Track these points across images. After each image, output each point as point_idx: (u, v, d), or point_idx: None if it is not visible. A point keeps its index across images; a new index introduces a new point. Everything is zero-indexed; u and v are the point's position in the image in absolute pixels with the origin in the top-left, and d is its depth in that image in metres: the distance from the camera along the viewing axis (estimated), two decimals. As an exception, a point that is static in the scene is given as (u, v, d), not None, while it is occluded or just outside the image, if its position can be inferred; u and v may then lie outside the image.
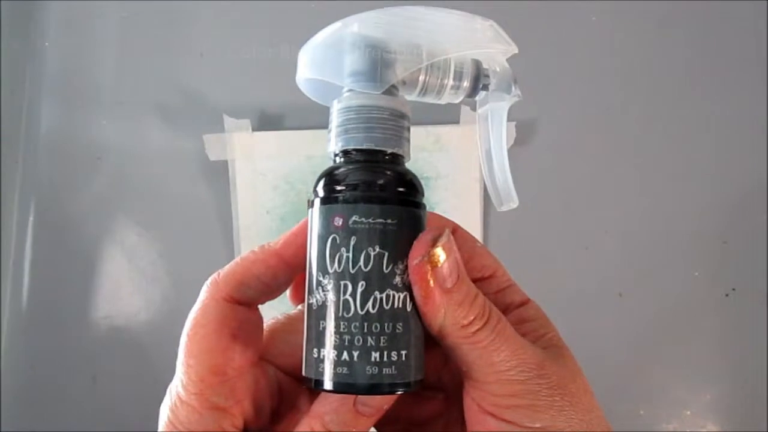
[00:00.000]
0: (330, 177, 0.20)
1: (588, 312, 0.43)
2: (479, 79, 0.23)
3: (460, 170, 0.42)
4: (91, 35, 0.48)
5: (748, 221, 0.43)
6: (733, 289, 0.42)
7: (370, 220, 0.19)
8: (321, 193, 0.19)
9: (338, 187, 0.19)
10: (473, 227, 0.42)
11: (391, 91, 0.21)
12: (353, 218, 0.18)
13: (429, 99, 0.23)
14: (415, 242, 0.19)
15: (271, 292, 0.21)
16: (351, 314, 0.18)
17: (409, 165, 0.40)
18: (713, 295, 0.42)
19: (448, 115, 0.43)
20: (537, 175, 0.44)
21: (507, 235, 0.43)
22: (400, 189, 0.20)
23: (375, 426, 0.21)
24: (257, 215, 0.42)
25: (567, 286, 0.43)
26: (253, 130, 0.42)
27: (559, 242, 0.43)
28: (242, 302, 0.21)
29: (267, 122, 0.45)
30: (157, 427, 0.38)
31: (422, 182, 0.39)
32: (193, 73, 0.47)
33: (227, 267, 0.21)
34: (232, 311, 0.21)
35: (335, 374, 0.18)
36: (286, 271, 0.21)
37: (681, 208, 0.43)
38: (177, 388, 0.21)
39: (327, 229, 0.19)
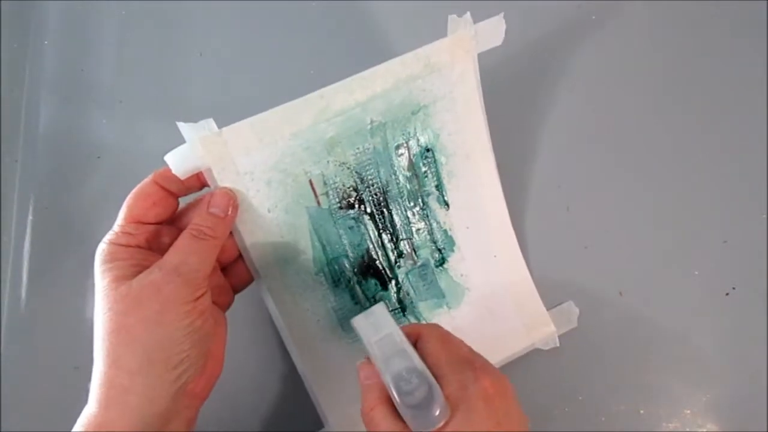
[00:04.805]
0: None
1: (588, 311, 0.43)
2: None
3: (457, 84, 0.38)
4: (90, 34, 0.48)
5: (748, 220, 0.43)
6: (734, 288, 0.42)
7: None
8: None
9: None
10: (480, 136, 0.40)
11: None
12: None
13: None
14: None
15: (187, 191, 0.35)
16: None
17: (404, 100, 0.37)
18: (713, 294, 0.42)
19: (435, 33, 0.38)
20: (537, 174, 0.44)
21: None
22: None
23: None
24: (258, 217, 0.36)
25: (567, 285, 0.43)
26: (226, 124, 0.34)
27: (559, 241, 0.43)
28: (167, 190, 0.34)
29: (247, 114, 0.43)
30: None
31: (421, 113, 0.38)
32: (193, 72, 0.47)
33: (166, 168, 0.33)
34: (157, 191, 0.33)
35: None
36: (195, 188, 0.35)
37: (681, 207, 0.43)
38: (113, 228, 0.33)
39: None
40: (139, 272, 0.31)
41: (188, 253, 0.32)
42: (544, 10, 0.45)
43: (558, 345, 0.42)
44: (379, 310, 0.32)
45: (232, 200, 0.34)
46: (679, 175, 0.44)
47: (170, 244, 0.32)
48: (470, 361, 0.30)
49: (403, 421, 0.29)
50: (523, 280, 0.43)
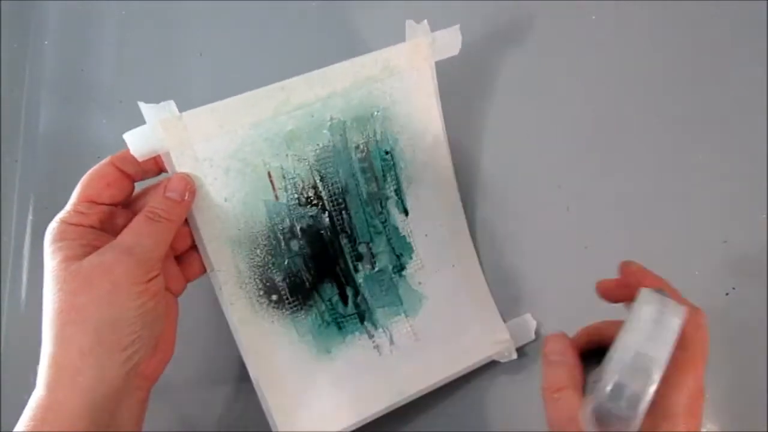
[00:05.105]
0: None
1: (588, 311, 0.43)
2: None
3: (415, 90, 0.39)
4: (90, 34, 0.48)
5: (748, 220, 0.43)
6: (734, 288, 0.42)
7: None
8: None
9: None
10: (439, 144, 0.40)
11: None
12: None
13: None
14: None
15: (143, 174, 0.34)
16: None
17: (362, 100, 0.38)
18: (713, 294, 0.42)
19: (392, 38, 0.39)
20: (537, 174, 0.44)
21: (507, 234, 0.43)
22: None
23: None
24: (214, 207, 0.36)
25: (567, 285, 0.43)
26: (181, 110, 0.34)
27: (559, 241, 0.43)
28: (124, 172, 0.33)
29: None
30: (156, 426, 0.39)
31: (380, 115, 0.38)
32: (193, 72, 0.47)
33: (124, 150, 0.33)
34: (113, 172, 0.33)
35: None
36: (151, 172, 0.35)
37: (681, 207, 0.43)
38: (66, 207, 0.32)
39: None
40: (90, 252, 0.30)
41: (142, 235, 0.32)
42: (543, 10, 0.45)
43: (515, 357, 0.41)
44: (678, 313, 0.27)
45: (189, 185, 0.34)
46: (679, 175, 0.44)
47: (124, 227, 0.32)
48: (695, 405, 0.28)
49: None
50: (480, 291, 0.43)
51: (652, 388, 0.26)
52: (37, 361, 0.44)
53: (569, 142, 0.44)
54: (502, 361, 0.42)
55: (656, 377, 0.26)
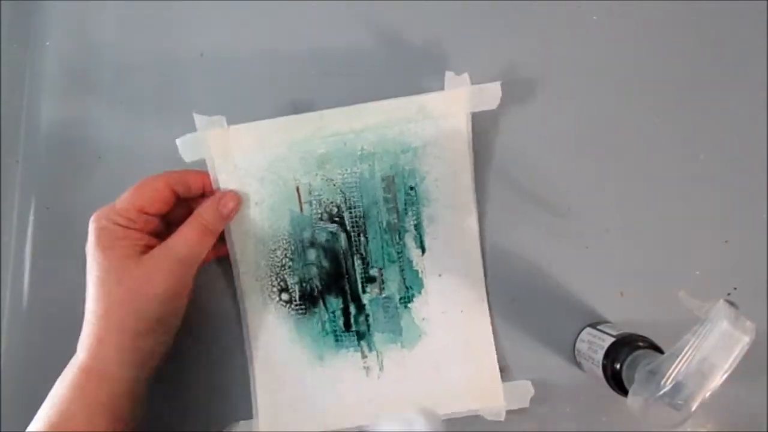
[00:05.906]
0: None
1: (589, 311, 0.43)
2: None
3: (448, 135, 0.40)
4: (91, 35, 0.48)
5: (749, 220, 0.43)
6: (735, 289, 0.42)
7: None
8: None
9: None
10: (465, 192, 0.41)
11: None
12: None
13: None
14: None
15: (188, 194, 0.39)
16: None
17: (395, 137, 0.41)
18: (714, 294, 0.42)
19: (431, 84, 0.42)
20: (537, 174, 0.44)
21: (506, 233, 0.43)
22: None
23: None
24: (245, 208, 0.41)
25: (567, 285, 0.43)
26: (229, 124, 0.40)
27: (559, 241, 0.43)
28: (174, 191, 0.38)
29: (251, 116, 0.43)
30: (155, 427, 0.39)
31: (410, 153, 0.41)
32: (194, 72, 0.47)
33: (177, 171, 0.39)
34: (166, 191, 0.38)
35: None
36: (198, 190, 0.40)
37: (681, 207, 0.43)
38: (113, 205, 0.37)
39: None
40: (141, 251, 0.36)
41: (195, 245, 0.37)
42: (543, 10, 0.45)
43: (503, 419, 0.40)
44: (748, 331, 0.29)
45: (238, 204, 0.40)
46: (679, 175, 0.44)
47: (158, 229, 0.38)
48: None
49: None
50: (483, 343, 0.42)
51: (708, 393, 0.28)
52: (37, 361, 0.44)
53: (570, 141, 0.44)
54: (488, 418, 0.41)
55: (715, 384, 0.28)
